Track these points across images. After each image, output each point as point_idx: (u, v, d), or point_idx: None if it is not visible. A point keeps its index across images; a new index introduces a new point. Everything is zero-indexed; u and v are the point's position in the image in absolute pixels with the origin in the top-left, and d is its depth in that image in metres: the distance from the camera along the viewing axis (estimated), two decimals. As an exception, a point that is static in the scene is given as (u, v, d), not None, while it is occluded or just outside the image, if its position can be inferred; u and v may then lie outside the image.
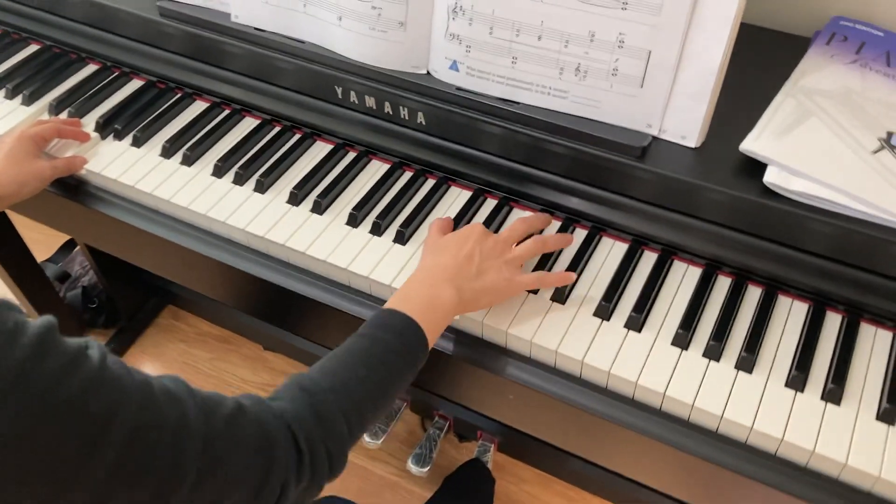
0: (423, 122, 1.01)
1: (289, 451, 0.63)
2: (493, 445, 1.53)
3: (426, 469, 1.49)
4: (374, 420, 0.72)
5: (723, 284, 0.91)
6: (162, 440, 0.54)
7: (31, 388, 0.47)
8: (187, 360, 1.83)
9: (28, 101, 1.17)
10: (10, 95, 1.18)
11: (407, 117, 1.01)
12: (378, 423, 1.54)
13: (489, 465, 1.51)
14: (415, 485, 1.61)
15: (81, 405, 0.50)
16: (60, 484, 0.49)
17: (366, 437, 1.51)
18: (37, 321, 0.51)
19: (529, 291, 0.91)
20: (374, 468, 1.64)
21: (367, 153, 1.08)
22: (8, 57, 1.25)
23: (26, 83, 1.19)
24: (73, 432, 0.49)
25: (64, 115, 1.15)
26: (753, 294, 0.90)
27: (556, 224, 0.98)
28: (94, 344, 0.54)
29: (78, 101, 1.16)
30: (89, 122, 1.13)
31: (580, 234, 0.97)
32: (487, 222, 0.98)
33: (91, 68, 1.24)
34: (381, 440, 1.52)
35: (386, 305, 0.79)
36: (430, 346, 0.78)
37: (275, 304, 1.05)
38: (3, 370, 0.47)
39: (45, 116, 1.16)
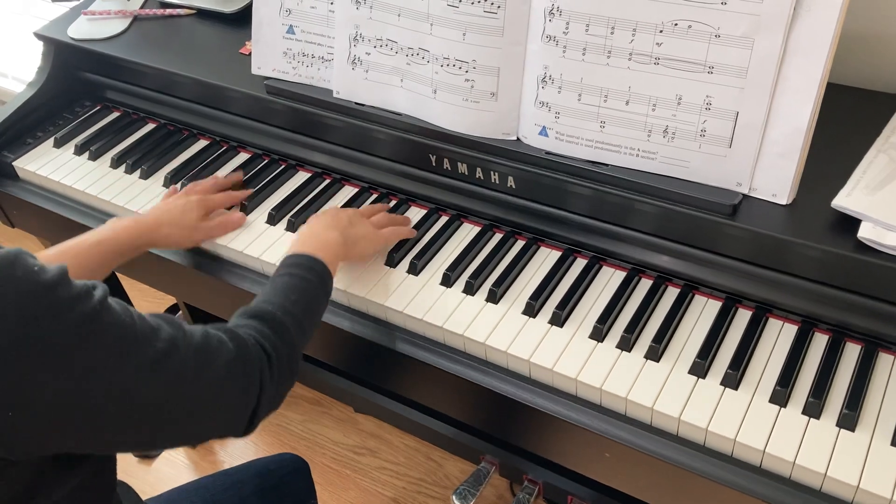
0: (513, 186, 1.05)
1: (259, 354, 0.77)
2: (583, 510, 1.52)
3: (515, 533, 1.48)
4: (310, 333, 0.88)
5: (820, 341, 0.91)
6: (168, 353, 0.66)
7: (59, 305, 0.58)
8: (280, 423, 1.88)
9: (145, 174, 1.27)
10: (130, 170, 1.28)
11: (497, 181, 1.06)
12: (467, 487, 1.54)
13: (580, 531, 1.49)
14: (504, 550, 1.60)
15: (94, 322, 0.61)
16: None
17: (455, 501, 1.51)
18: (53, 265, 0.61)
19: (619, 349, 0.92)
20: (463, 532, 1.63)
21: (459, 216, 1.12)
22: (128, 135, 1.36)
23: (144, 158, 1.29)
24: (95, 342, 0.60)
25: (178, 187, 1.23)
26: (853, 351, 0.89)
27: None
28: (100, 284, 0.64)
29: (190, 174, 1.25)
30: (200, 192, 1.21)
31: (672, 293, 0.98)
32: (577, 282, 1.00)
33: (201, 143, 1.33)
34: (471, 503, 1.52)
35: (288, 252, 0.94)
36: (334, 274, 0.94)
37: (368, 360, 1.09)
38: (38, 290, 0.57)
39: (161, 189, 1.25)
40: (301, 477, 1.22)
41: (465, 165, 1.07)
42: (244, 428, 0.76)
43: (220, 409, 0.72)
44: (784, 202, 0.91)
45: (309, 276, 0.89)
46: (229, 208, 1.17)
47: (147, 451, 0.71)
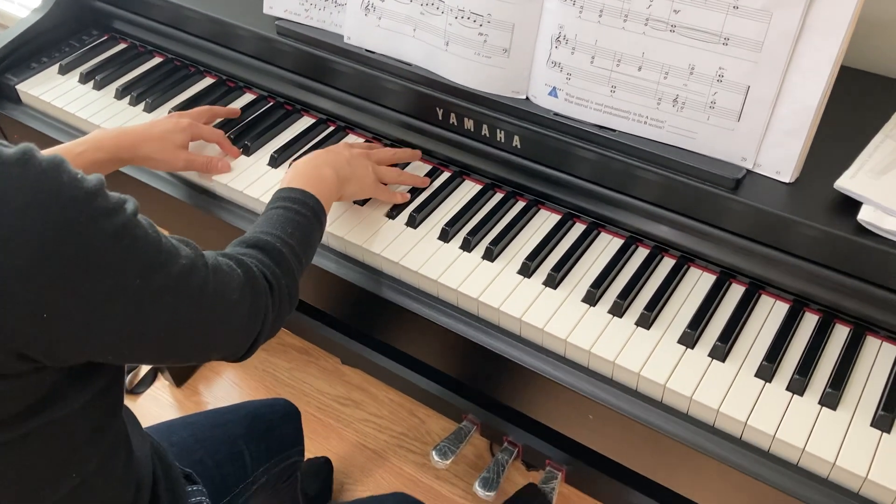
0: (519, 146, 1.05)
1: (263, 283, 0.79)
2: (560, 475, 1.54)
3: (492, 493, 1.50)
4: (306, 265, 0.89)
5: (810, 322, 0.91)
6: (187, 270, 0.68)
7: (98, 213, 0.60)
8: (267, 368, 1.89)
9: (150, 108, 1.26)
10: (134, 102, 1.27)
11: (503, 140, 1.05)
12: (447, 444, 1.56)
13: (555, 495, 1.51)
14: (479, 508, 1.63)
15: (127, 233, 0.62)
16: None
17: (434, 456, 1.53)
18: (93, 175, 0.62)
19: (611, 314, 0.93)
20: (440, 488, 1.66)
21: (461, 173, 1.12)
22: (134, 67, 1.35)
23: (149, 91, 1.28)
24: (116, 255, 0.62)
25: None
26: (841, 333, 0.90)
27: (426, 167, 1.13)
28: (130, 198, 0.65)
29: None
30: (204, 130, 1.21)
31: (668, 264, 0.99)
32: (575, 246, 1.00)
33: (207, 81, 1.32)
34: (450, 461, 1.54)
35: (281, 184, 0.95)
36: (327, 212, 0.95)
37: (361, 309, 1.10)
38: (80, 196, 0.59)
39: (164, 123, 1.24)
40: (291, 423, 1.23)
41: (471, 122, 1.07)
42: (245, 351, 0.79)
43: (228, 331, 0.75)
44: (787, 180, 0.91)
45: (304, 210, 0.90)
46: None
47: (158, 363, 0.75)
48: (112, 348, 0.65)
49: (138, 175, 1.19)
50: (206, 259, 0.72)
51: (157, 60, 1.37)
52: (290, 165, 1.13)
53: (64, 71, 1.34)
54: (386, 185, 1.08)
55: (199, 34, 1.31)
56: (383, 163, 1.09)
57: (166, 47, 1.36)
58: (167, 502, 0.88)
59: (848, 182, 0.87)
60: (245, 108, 1.25)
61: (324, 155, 1.01)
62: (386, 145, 1.17)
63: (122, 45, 1.40)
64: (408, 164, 1.14)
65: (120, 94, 1.29)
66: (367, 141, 1.18)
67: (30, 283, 0.56)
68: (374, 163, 1.06)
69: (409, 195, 1.08)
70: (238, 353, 0.78)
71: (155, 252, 0.65)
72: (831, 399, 0.83)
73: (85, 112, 1.26)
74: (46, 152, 0.76)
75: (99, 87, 1.30)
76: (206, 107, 1.19)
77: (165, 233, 0.69)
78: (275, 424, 1.19)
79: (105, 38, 1.41)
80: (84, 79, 1.32)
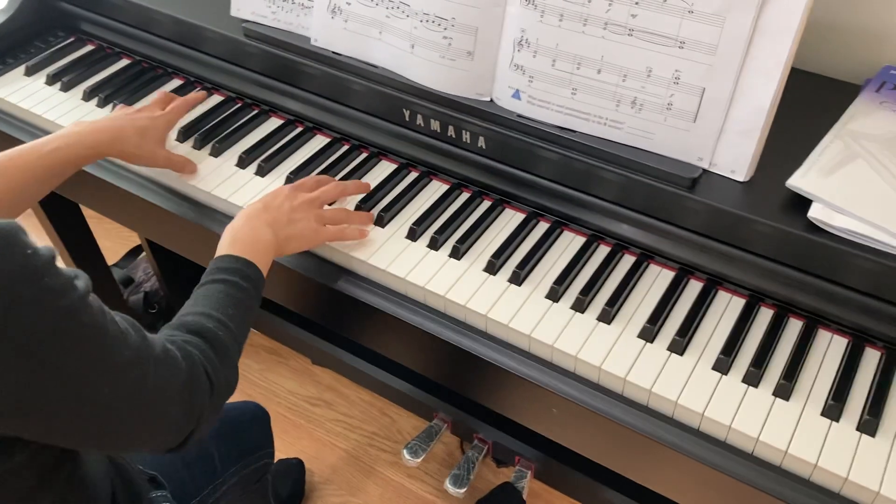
0: (484, 147, 1.07)
1: (204, 380, 0.77)
2: (529, 472, 1.56)
3: (463, 490, 1.53)
4: (243, 344, 0.87)
5: (765, 316, 0.95)
6: (131, 361, 0.66)
7: (44, 294, 0.58)
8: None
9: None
10: (102, 104, 1.27)
11: (468, 141, 1.08)
12: (418, 442, 1.58)
13: (525, 492, 1.54)
14: (450, 505, 1.65)
15: (72, 319, 0.61)
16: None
17: (405, 455, 1.55)
18: (44, 247, 0.60)
19: (573, 310, 0.95)
20: (411, 486, 1.68)
21: (428, 173, 1.14)
22: (102, 69, 1.35)
23: (117, 93, 1.29)
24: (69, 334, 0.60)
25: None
26: (794, 326, 0.93)
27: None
28: (82, 275, 0.64)
29: (162, 112, 1.25)
30: (171, 132, 1.21)
31: (628, 261, 1.01)
32: (539, 244, 1.03)
33: (175, 83, 1.33)
34: (421, 459, 1.56)
35: (220, 251, 0.92)
36: (265, 275, 0.93)
37: (328, 308, 1.11)
38: (27, 274, 0.57)
39: (132, 124, 1.24)
40: (260, 426, 1.24)
41: (437, 123, 1.09)
42: (179, 446, 0.77)
43: (164, 426, 0.73)
44: (742, 179, 0.94)
45: (245, 283, 0.88)
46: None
47: (78, 447, 0.73)
48: (36, 429, 0.63)
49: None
50: (151, 349, 0.70)
51: (124, 62, 1.37)
52: (257, 166, 1.14)
53: (30, 72, 1.34)
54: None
55: (166, 36, 1.31)
56: (329, 201, 1.06)
57: (134, 49, 1.37)
58: None
59: (799, 181, 0.90)
60: (213, 110, 1.26)
61: (262, 214, 0.97)
62: (353, 146, 1.18)
63: (89, 47, 1.40)
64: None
65: (87, 96, 1.29)
66: (332, 141, 1.19)
67: None
68: (319, 206, 1.03)
69: (367, 231, 1.05)
70: (171, 446, 0.76)
71: (99, 339, 0.63)
72: (784, 390, 0.86)
73: (52, 114, 1.26)
74: (17, 150, 0.74)
75: (66, 88, 1.31)
76: (182, 100, 1.19)
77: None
78: (244, 426, 1.20)
79: (72, 39, 1.41)
80: (51, 80, 1.32)
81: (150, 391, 0.68)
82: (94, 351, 0.63)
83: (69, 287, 0.61)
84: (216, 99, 1.29)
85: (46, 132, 1.26)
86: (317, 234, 1.01)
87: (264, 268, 0.92)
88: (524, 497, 1.53)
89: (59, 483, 0.75)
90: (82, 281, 0.63)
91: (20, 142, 1.26)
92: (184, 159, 1.13)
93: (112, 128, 1.06)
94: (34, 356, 0.58)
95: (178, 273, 1.84)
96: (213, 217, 1.13)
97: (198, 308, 0.84)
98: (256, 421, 1.23)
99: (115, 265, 1.98)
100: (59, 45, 1.39)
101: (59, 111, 1.26)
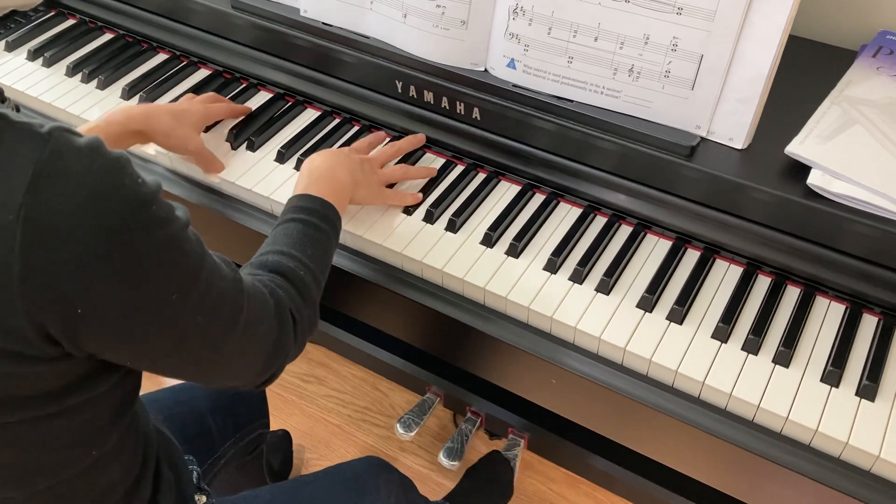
0: (478, 118, 1.06)
1: (288, 318, 0.78)
2: (522, 443, 1.57)
3: (457, 463, 1.53)
4: (323, 284, 0.87)
5: (763, 284, 0.95)
6: (226, 293, 0.68)
7: (151, 222, 0.59)
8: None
9: (102, 85, 1.24)
10: (86, 80, 1.25)
11: (463, 112, 1.06)
12: (411, 416, 1.58)
13: (517, 462, 1.54)
14: (445, 478, 1.65)
15: (174, 246, 0.62)
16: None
17: (399, 429, 1.55)
18: (152, 178, 0.62)
19: (571, 282, 0.95)
20: (405, 460, 1.68)
21: (423, 146, 1.13)
22: (85, 44, 1.32)
23: (101, 69, 1.26)
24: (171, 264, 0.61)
25: (136, 100, 1.21)
26: (792, 294, 0.94)
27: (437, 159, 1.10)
28: (183, 210, 0.65)
29: (148, 88, 1.22)
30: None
31: (625, 231, 1.01)
32: (535, 216, 1.02)
33: (161, 57, 1.30)
34: (414, 433, 1.56)
35: (299, 188, 0.92)
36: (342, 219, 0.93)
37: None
38: (138, 202, 0.58)
39: (119, 100, 1.22)
40: (256, 397, 1.24)
41: (431, 94, 1.07)
42: (261, 384, 0.79)
43: (250, 362, 0.74)
44: (740, 147, 0.93)
45: (323, 224, 0.88)
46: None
47: (173, 377, 0.74)
48: (133, 356, 0.65)
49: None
50: (242, 284, 0.71)
51: (107, 37, 1.34)
52: (247, 141, 1.12)
53: (11, 48, 1.30)
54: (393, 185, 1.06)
55: (150, 9, 1.29)
56: (387, 162, 1.06)
57: (117, 23, 1.34)
58: (170, 476, 0.89)
59: (798, 147, 0.90)
60: (200, 85, 1.23)
61: (338, 156, 0.97)
62: (345, 119, 1.17)
63: (70, 21, 1.37)
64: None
65: (71, 72, 1.26)
66: (322, 114, 1.18)
67: (73, 279, 0.56)
68: (380, 166, 1.04)
69: (420, 195, 1.05)
70: (255, 383, 0.78)
71: (197, 269, 0.64)
72: (784, 357, 0.86)
73: (35, 90, 1.23)
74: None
75: (48, 64, 1.28)
76: (225, 110, 1.16)
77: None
78: (241, 398, 1.20)
79: (52, 13, 1.38)
80: (32, 56, 1.29)
81: (242, 324, 0.69)
82: (195, 278, 0.64)
83: (173, 217, 0.62)
84: (203, 73, 1.27)
85: (30, 108, 1.24)
86: (382, 192, 1.02)
87: (342, 209, 0.93)
88: (516, 466, 1.54)
89: (122, 428, 0.76)
90: (182, 212, 0.64)
91: (3, 119, 1.23)
92: (214, 157, 1.09)
93: (146, 106, 1.04)
94: (137, 280, 0.59)
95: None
96: (201, 194, 1.11)
97: (277, 247, 0.84)
98: (252, 393, 1.23)
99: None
100: (40, 20, 1.36)
101: (42, 87, 1.24)
